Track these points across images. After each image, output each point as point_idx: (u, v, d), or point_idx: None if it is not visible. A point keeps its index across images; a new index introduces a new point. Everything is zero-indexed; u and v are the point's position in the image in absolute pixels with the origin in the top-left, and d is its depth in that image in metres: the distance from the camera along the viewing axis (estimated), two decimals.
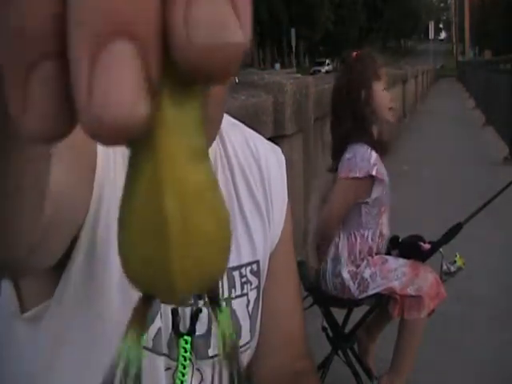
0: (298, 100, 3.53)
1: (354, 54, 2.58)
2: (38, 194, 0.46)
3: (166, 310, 0.88)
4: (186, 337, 0.89)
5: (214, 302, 0.35)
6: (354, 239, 2.47)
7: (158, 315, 0.87)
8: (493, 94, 12.87)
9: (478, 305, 3.73)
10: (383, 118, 2.52)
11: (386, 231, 2.52)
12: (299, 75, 4.02)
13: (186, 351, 0.89)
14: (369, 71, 2.49)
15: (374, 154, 2.40)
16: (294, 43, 55.26)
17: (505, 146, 9.48)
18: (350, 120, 2.47)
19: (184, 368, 0.90)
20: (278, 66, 52.32)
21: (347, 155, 2.44)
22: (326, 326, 2.63)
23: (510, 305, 3.67)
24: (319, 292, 2.55)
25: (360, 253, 2.47)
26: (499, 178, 3.87)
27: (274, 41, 64.90)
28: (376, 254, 2.50)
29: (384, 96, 2.51)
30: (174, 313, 0.89)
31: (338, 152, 2.53)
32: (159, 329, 0.87)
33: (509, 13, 55.91)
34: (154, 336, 0.86)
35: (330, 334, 2.64)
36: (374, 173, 2.38)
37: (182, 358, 0.89)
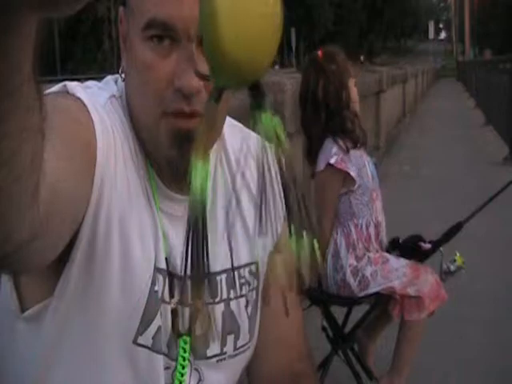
0: (298, 100, 3.51)
1: (320, 53, 2.55)
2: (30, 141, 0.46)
3: (166, 309, 0.88)
4: (185, 337, 0.89)
5: (259, 98, 0.45)
6: (348, 230, 2.47)
7: (158, 314, 0.87)
8: (493, 94, 12.85)
9: (478, 305, 3.73)
10: (355, 112, 2.54)
11: (381, 217, 2.53)
12: (299, 75, 4.00)
13: (185, 351, 0.89)
14: (344, 72, 2.49)
15: (335, 146, 2.44)
16: (293, 43, 55.23)
17: (505, 146, 9.47)
18: (326, 121, 2.48)
19: (183, 368, 0.90)
20: (277, 67, 52.27)
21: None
22: (326, 325, 2.63)
23: (510, 304, 3.67)
24: (319, 292, 2.55)
25: (358, 242, 2.46)
26: (499, 178, 3.87)
27: None
28: (379, 248, 2.50)
29: (355, 91, 2.54)
30: (174, 313, 0.89)
31: (313, 155, 2.55)
32: (159, 327, 0.87)
33: (509, 13, 55.89)
34: (154, 335, 0.86)
35: (330, 334, 2.64)
36: (332, 161, 2.42)
37: (181, 358, 0.89)
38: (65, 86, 0.83)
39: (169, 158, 0.84)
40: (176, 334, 0.89)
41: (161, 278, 0.87)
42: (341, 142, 2.45)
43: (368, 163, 2.54)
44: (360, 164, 2.49)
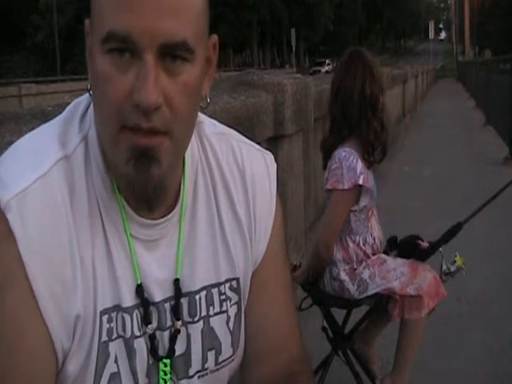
0: (298, 100, 3.52)
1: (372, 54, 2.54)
2: None
3: (121, 350, 0.87)
4: (164, 360, 0.89)
5: None
6: (345, 244, 2.46)
7: (113, 358, 0.86)
8: (493, 94, 12.85)
9: (478, 305, 3.73)
10: (385, 128, 2.50)
11: (376, 234, 2.51)
12: (299, 75, 4.01)
13: (165, 374, 0.89)
14: (383, 81, 2.49)
15: (360, 163, 2.38)
16: (294, 43, 55.21)
17: (505, 146, 9.47)
18: (356, 121, 2.44)
19: None
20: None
21: (333, 164, 2.41)
22: (326, 326, 2.63)
23: (510, 305, 3.67)
24: (319, 292, 2.55)
25: (357, 256, 2.46)
26: (499, 178, 3.87)
27: (274, 41, 64.80)
28: (373, 254, 2.49)
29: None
30: (152, 338, 0.88)
31: (330, 150, 2.51)
32: (114, 373, 0.86)
33: (509, 13, 55.82)
34: (108, 382, 0.86)
35: (330, 334, 2.64)
36: (361, 182, 2.36)
37: (162, 381, 0.89)
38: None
39: (126, 174, 0.81)
40: (155, 358, 0.89)
41: (126, 315, 0.87)
42: (365, 155, 2.41)
43: (373, 185, 2.50)
44: (373, 180, 2.49)
